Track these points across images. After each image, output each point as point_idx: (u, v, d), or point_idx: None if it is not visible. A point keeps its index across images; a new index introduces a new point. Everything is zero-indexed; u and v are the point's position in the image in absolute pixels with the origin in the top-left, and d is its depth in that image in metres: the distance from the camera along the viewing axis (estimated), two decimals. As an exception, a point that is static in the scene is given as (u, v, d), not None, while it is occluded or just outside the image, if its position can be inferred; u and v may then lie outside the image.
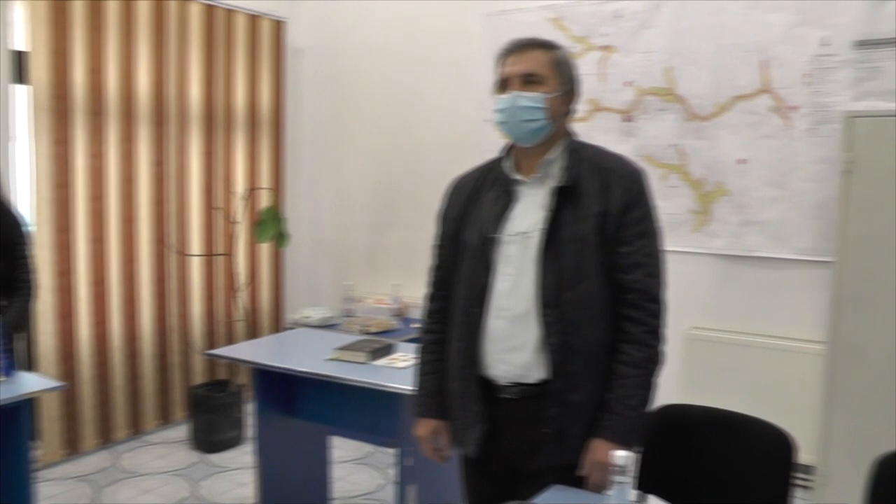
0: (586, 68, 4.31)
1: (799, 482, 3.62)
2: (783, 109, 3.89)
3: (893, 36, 3.64)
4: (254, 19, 5.08)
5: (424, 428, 2.16)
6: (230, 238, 4.90)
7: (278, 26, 5.26)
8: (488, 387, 1.99)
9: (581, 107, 4.28)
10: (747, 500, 2.08)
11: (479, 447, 2.00)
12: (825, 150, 3.77)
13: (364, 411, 3.07)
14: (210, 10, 4.78)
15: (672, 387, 3.81)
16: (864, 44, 3.71)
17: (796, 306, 3.91)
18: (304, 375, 3.03)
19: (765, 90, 3.93)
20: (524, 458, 1.97)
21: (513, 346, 1.93)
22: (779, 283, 3.97)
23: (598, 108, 4.37)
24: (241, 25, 5.00)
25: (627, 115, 4.31)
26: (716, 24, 4.02)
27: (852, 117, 3.42)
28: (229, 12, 4.91)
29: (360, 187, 5.44)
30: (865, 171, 3.35)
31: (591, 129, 4.25)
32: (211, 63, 4.82)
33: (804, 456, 3.44)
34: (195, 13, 4.70)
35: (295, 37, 5.42)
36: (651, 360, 1.92)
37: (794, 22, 3.84)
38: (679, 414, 2.24)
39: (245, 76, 5.07)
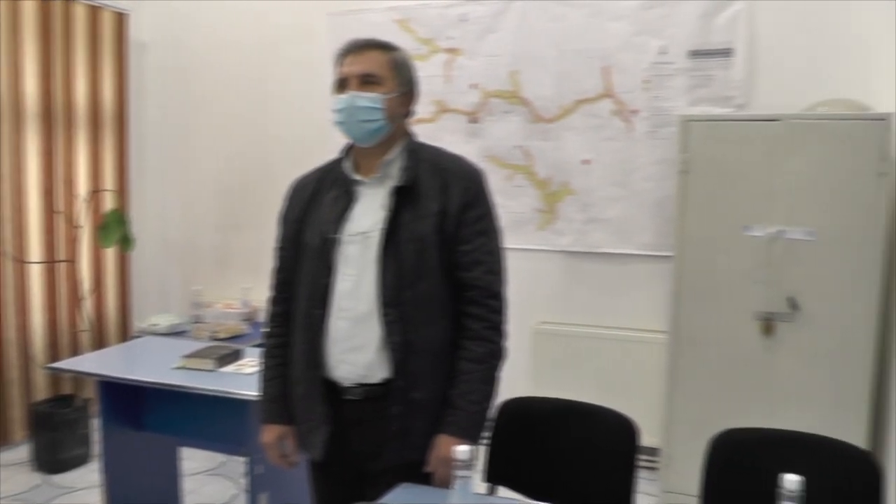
0: (432, 70, 4.38)
1: (645, 464, 3.81)
2: (624, 113, 4.07)
3: (723, 47, 3.90)
4: (94, 11, 4.84)
5: (270, 434, 2.12)
6: (72, 243, 4.65)
7: (120, 18, 5.03)
8: (333, 389, 1.98)
9: (427, 108, 4.37)
10: (595, 485, 2.16)
11: (325, 450, 1.99)
12: (663, 151, 3.98)
13: (213, 420, 2.99)
14: (46, 1, 4.51)
15: (521, 381, 3.93)
16: (697, 53, 3.95)
17: (639, 299, 4.11)
18: (150, 386, 2.92)
19: (607, 94, 4.10)
20: (370, 458, 1.97)
21: (355, 346, 1.93)
22: (622, 278, 4.16)
23: (444, 110, 4.44)
24: (80, 17, 4.75)
25: (473, 117, 4.39)
26: (559, 30, 4.16)
27: (688, 121, 3.60)
28: (67, 3, 4.65)
29: (208, 188, 5.29)
30: (700, 171, 3.54)
31: (437, 130, 4.33)
32: (48, 57, 4.55)
33: (650, 439, 3.64)
34: (29, 3, 4.43)
35: (138, 30, 5.20)
36: (493, 356, 1.96)
37: (634, 31, 4.03)
38: (526, 406, 2.30)
39: (85, 71, 4.82)
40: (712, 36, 3.91)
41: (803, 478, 1.45)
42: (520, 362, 4.02)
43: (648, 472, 3.80)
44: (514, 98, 4.29)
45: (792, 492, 1.45)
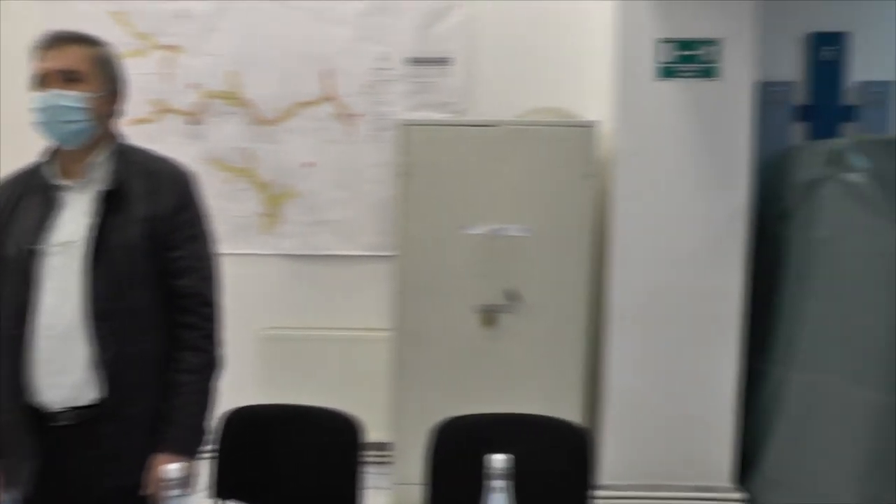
0: (150, 68, 4.16)
1: (377, 460, 3.88)
2: (347, 116, 4.14)
3: (442, 55, 4.10)
4: None
5: (-30, 472, 1.90)
6: None
7: None
8: (41, 415, 1.81)
9: (145, 108, 4.15)
10: (324, 486, 2.19)
11: (35, 484, 1.82)
12: (385, 154, 4.07)
13: None
14: None
15: (250, 389, 3.85)
16: (417, 61, 4.11)
17: (365, 298, 4.19)
18: None
19: (329, 98, 4.14)
20: (86, 486, 1.84)
21: (62, 366, 1.79)
22: (348, 279, 4.22)
23: (164, 110, 4.21)
24: None
25: (194, 118, 4.22)
26: (281, 32, 4.12)
27: (407, 125, 3.72)
28: None
29: None
30: (420, 173, 3.68)
31: (157, 132, 4.10)
32: None
33: (382, 434, 3.73)
34: None
35: None
36: (209, 366, 1.91)
37: (356, 36, 4.10)
38: (251, 415, 2.26)
39: None
40: (432, 44, 4.09)
41: (510, 456, 1.56)
42: (248, 370, 3.95)
43: (381, 466, 3.87)
44: (235, 99, 4.18)
45: (499, 470, 1.54)
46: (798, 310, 3.49)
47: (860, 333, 3.12)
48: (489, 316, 3.69)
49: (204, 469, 2.01)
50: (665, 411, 3.70)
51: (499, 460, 1.55)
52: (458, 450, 2.15)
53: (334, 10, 4.10)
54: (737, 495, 3.68)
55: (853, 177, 3.21)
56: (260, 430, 2.23)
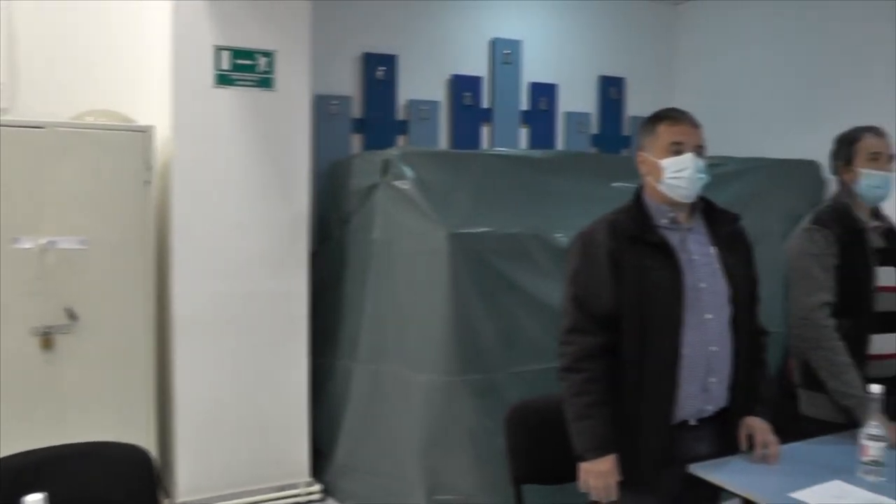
0: None
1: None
2: None
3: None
4: None
5: None
6: None
7: None
8: None
9: None
10: None
11: None
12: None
13: None
14: None
15: None
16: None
17: None
18: None
19: None
20: None
21: None
22: None
23: None
24: None
25: None
26: None
27: None
28: None
29: None
30: None
31: None
32: None
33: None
34: None
35: None
36: None
37: None
38: None
39: None
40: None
41: (46, 494, 1.46)
42: None
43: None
44: None
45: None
46: (359, 306, 3.76)
47: (414, 325, 3.46)
48: (48, 338, 3.41)
49: None
50: (240, 417, 3.73)
51: (33, 501, 1.44)
52: (3, 497, 1.91)
53: None
54: (315, 488, 3.86)
55: (402, 184, 3.55)
56: None
